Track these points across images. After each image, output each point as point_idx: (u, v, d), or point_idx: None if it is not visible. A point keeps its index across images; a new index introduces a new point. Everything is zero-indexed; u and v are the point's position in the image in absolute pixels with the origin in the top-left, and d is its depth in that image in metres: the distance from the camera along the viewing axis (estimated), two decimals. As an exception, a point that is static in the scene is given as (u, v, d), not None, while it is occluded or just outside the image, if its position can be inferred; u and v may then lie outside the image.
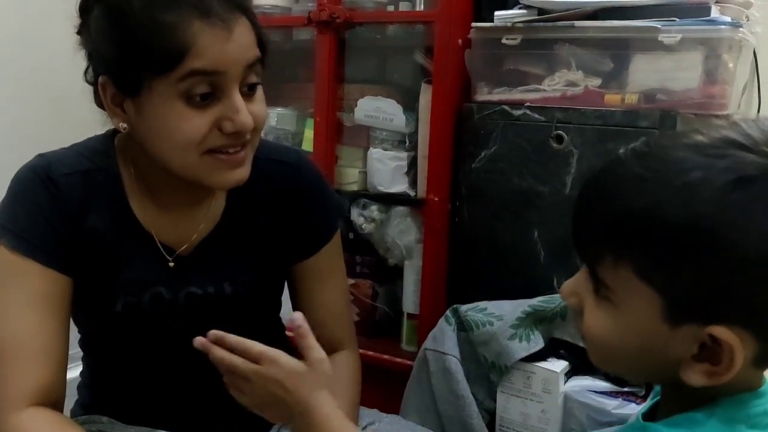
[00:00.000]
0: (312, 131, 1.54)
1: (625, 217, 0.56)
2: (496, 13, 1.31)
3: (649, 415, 0.68)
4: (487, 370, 1.19)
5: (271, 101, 1.61)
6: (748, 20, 1.28)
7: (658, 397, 0.69)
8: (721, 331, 0.55)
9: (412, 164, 1.47)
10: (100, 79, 0.83)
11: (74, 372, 1.02)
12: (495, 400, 1.20)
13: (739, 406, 0.59)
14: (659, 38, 1.18)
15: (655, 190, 0.55)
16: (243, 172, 0.85)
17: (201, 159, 0.82)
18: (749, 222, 0.52)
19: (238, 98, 0.80)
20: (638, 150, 0.60)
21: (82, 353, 1.01)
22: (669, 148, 0.58)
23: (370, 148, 1.50)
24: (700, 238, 0.53)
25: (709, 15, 1.19)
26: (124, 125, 0.84)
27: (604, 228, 0.59)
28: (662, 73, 1.20)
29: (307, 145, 1.56)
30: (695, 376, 0.58)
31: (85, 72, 0.86)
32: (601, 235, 0.59)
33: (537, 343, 1.15)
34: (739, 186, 0.53)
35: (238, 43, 0.79)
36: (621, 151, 0.63)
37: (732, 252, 0.53)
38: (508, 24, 1.29)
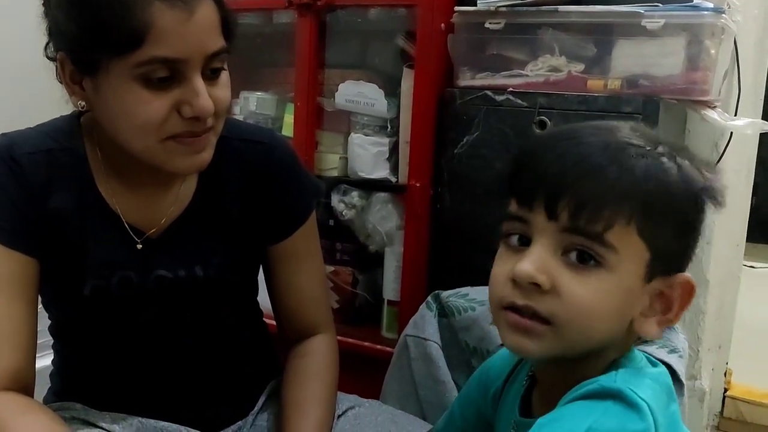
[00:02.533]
0: (292, 116, 1.52)
1: (639, 183, 0.61)
2: (479, -4, 1.30)
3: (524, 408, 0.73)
4: (469, 356, 1.18)
5: (251, 86, 1.61)
6: (729, 8, 1.28)
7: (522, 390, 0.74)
8: (686, 277, 0.65)
9: (394, 150, 1.46)
10: (59, 55, 0.81)
11: (46, 360, 1.00)
12: (476, 386, 1.19)
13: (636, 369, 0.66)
14: (642, 23, 1.18)
15: (662, 162, 0.63)
16: (204, 157, 0.83)
17: (161, 144, 0.80)
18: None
19: (198, 82, 0.78)
20: (629, 125, 0.66)
21: (52, 340, 0.99)
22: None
23: (351, 134, 1.49)
24: (694, 202, 0.64)
25: (692, 1, 1.19)
26: (83, 103, 0.82)
27: (624, 195, 0.61)
28: (645, 58, 1.20)
29: (287, 130, 1.54)
30: (651, 327, 0.66)
31: (46, 47, 0.83)
32: (619, 201, 0.61)
33: (518, 328, 1.15)
34: None
35: (199, 26, 0.77)
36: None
37: (702, 214, 0.65)
38: (492, 8, 1.28)
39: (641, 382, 0.63)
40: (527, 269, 0.62)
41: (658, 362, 0.69)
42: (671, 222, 0.63)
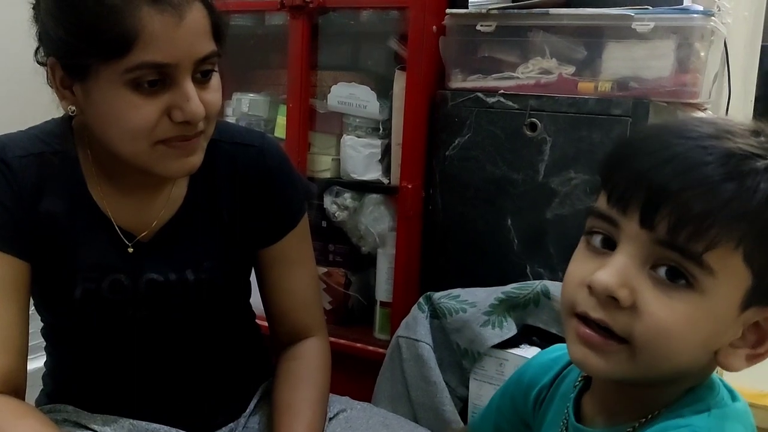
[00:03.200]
0: (285, 118, 1.52)
1: (760, 206, 0.54)
2: (471, -1, 1.30)
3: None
4: (460, 357, 1.19)
5: (244, 87, 1.61)
6: (719, 10, 1.29)
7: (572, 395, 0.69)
8: None
9: (386, 151, 1.46)
10: (49, 60, 0.81)
11: (39, 362, 1.00)
12: (467, 387, 1.19)
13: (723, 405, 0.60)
14: (632, 26, 1.18)
15: None
16: (194, 161, 0.83)
17: (152, 148, 0.80)
18: None
19: (189, 86, 0.78)
20: (749, 127, 0.58)
21: (45, 342, 0.99)
22: None
23: (344, 135, 1.49)
24: None
25: (682, 3, 1.19)
26: (73, 108, 0.82)
27: (738, 216, 0.54)
28: (635, 61, 1.21)
29: (280, 132, 1.54)
30: (738, 361, 0.59)
31: (36, 52, 0.83)
32: (731, 222, 0.54)
33: (510, 329, 1.15)
34: None
35: (189, 31, 0.77)
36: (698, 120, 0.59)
37: None
38: (483, 11, 1.29)
39: (734, 428, 0.58)
40: (608, 281, 0.56)
41: (735, 391, 0.64)
42: None
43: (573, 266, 0.61)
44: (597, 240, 0.60)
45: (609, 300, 0.56)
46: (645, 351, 0.56)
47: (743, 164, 0.54)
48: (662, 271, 0.56)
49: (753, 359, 0.59)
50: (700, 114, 1.27)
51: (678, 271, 0.55)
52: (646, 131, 0.60)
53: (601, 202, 0.59)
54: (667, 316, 0.55)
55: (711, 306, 0.55)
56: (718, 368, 0.62)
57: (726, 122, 0.59)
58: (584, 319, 0.58)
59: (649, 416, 0.61)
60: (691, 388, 0.61)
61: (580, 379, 0.70)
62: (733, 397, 0.62)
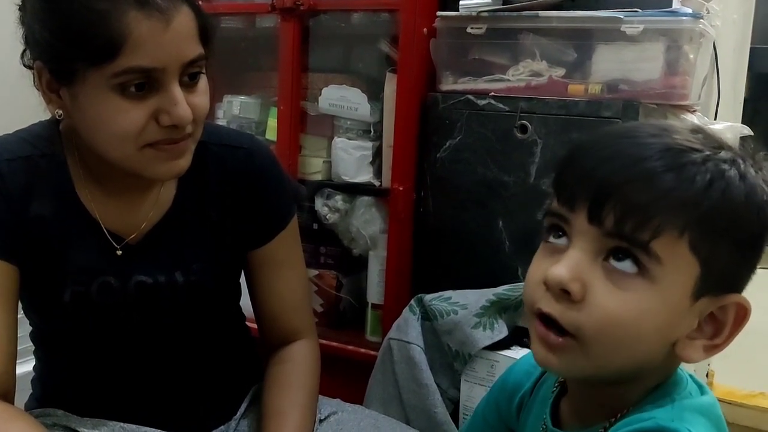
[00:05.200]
0: (276, 120, 1.52)
1: (698, 194, 0.56)
2: (461, 2, 1.30)
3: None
4: (451, 359, 1.19)
5: (235, 89, 1.61)
6: (708, 13, 1.30)
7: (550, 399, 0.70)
8: (740, 299, 0.59)
9: (377, 154, 1.46)
10: (36, 64, 0.80)
11: (28, 366, 0.99)
12: (459, 389, 1.20)
13: (687, 398, 0.62)
14: (622, 29, 1.18)
15: (724, 170, 0.57)
16: (183, 163, 0.83)
17: (140, 152, 0.80)
18: None
19: (176, 90, 0.78)
20: (690, 126, 0.62)
21: (33, 347, 0.98)
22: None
23: (335, 138, 1.49)
24: (756, 216, 0.58)
25: (671, 6, 1.20)
26: (60, 112, 0.81)
27: (679, 205, 0.56)
28: (625, 63, 1.21)
29: (271, 135, 1.54)
30: (696, 352, 0.60)
31: (22, 54, 0.83)
32: (673, 211, 0.56)
33: (501, 331, 1.16)
34: None
35: (177, 35, 0.76)
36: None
37: (765, 229, 0.59)
38: (473, 13, 1.29)
39: (698, 420, 0.58)
40: (560, 274, 0.57)
41: (705, 386, 0.65)
42: (728, 237, 0.57)
43: (532, 267, 0.63)
44: (553, 238, 0.62)
45: (562, 294, 0.58)
46: (595, 343, 0.57)
47: (682, 157, 0.57)
48: (613, 261, 0.57)
49: (711, 350, 0.61)
50: (689, 116, 1.27)
51: (628, 257, 0.57)
52: (592, 136, 0.63)
53: (554, 203, 0.62)
54: (616, 306, 0.57)
55: (662, 294, 0.57)
56: (711, 368, 0.62)
57: (667, 123, 0.63)
58: (543, 318, 0.60)
59: (618, 415, 0.62)
60: (658, 385, 0.62)
61: (557, 384, 0.71)
62: (703, 392, 0.63)
